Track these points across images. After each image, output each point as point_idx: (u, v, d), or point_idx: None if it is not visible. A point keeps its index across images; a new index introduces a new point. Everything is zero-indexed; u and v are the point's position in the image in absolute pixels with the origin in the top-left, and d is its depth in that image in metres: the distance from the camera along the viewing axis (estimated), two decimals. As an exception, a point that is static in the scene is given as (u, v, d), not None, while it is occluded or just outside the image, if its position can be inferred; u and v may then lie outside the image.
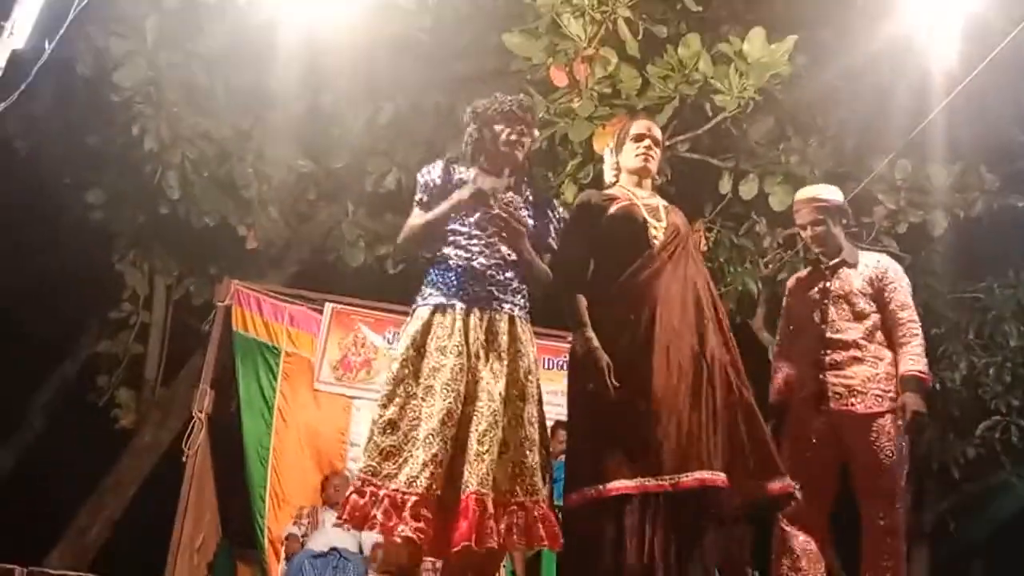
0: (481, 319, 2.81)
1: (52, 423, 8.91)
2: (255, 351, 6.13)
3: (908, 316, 3.50)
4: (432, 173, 3.01)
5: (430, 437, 2.61)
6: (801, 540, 3.44)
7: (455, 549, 2.57)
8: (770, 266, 6.78)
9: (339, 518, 2.64)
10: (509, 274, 2.90)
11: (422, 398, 2.70)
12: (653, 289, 2.96)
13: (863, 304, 3.50)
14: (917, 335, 3.47)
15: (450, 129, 2.90)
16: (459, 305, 2.80)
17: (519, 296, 2.92)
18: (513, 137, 2.98)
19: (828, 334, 3.49)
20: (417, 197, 3.03)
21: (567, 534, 2.86)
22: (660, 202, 3.19)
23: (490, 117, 2.99)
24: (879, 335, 3.49)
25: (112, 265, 7.50)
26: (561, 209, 3.23)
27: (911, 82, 5.61)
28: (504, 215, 2.83)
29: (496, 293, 2.85)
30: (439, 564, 5.16)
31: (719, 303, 3.13)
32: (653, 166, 3.23)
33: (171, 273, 7.65)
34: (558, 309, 3.05)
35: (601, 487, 2.78)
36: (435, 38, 6.13)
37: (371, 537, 5.06)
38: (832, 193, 3.70)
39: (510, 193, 2.97)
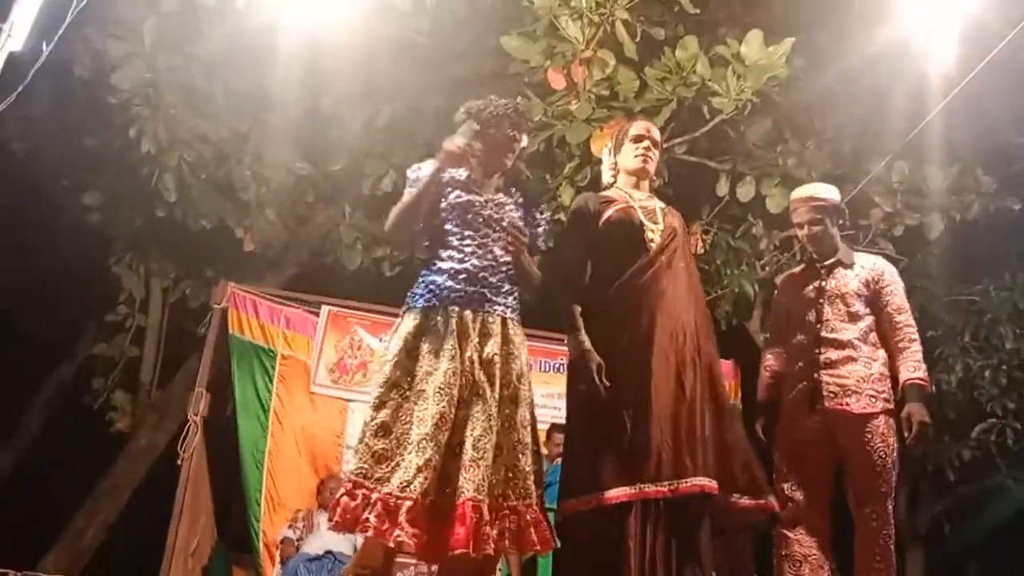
0: (474, 321, 2.79)
1: (48, 426, 8.90)
2: (251, 354, 6.13)
3: (905, 320, 3.49)
4: (423, 171, 3.01)
5: (424, 441, 2.59)
6: (803, 545, 3.37)
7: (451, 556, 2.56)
8: (767, 268, 6.79)
9: (329, 520, 2.60)
10: (501, 275, 2.89)
11: (415, 401, 2.67)
12: (652, 293, 2.96)
13: (858, 306, 3.48)
14: (915, 340, 3.46)
15: (448, 131, 2.89)
16: (452, 307, 2.78)
17: (511, 297, 2.90)
18: (507, 138, 2.99)
19: (823, 333, 3.46)
20: (406, 191, 3.01)
21: (564, 540, 2.85)
22: (658, 204, 3.19)
23: (484, 119, 2.99)
24: (873, 336, 3.47)
25: (109, 268, 7.50)
26: (546, 209, 3.22)
27: (908, 85, 5.63)
28: (509, 233, 2.84)
29: (489, 295, 2.84)
30: (422, 568, 5.18)
31: (706, 307, 3.15)
32: (652, 167, 3.23)
33: (167, 276, 7.65)
34: (554, 311, 3.05)
35: (600, 494, 2.76)
36: (433, 41, 6.13)
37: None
38: (829, 192, 3.69)
39: (500, 195, 2.97)
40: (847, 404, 3.35)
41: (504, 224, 2.88)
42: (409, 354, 2.74)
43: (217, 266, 7.37)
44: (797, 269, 3.83)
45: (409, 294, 2.90)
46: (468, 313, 2.79)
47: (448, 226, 2.90)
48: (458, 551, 2.52)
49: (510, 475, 2.72)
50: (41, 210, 7.54)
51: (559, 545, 2.85)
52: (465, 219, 2.89)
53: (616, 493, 2.75)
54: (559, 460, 3.16)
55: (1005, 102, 6.23)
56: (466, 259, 2.85)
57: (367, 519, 2.54)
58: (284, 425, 6.09)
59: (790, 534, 3.39)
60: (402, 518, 2.52)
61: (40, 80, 3.70)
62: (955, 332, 7.54)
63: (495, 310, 2.84)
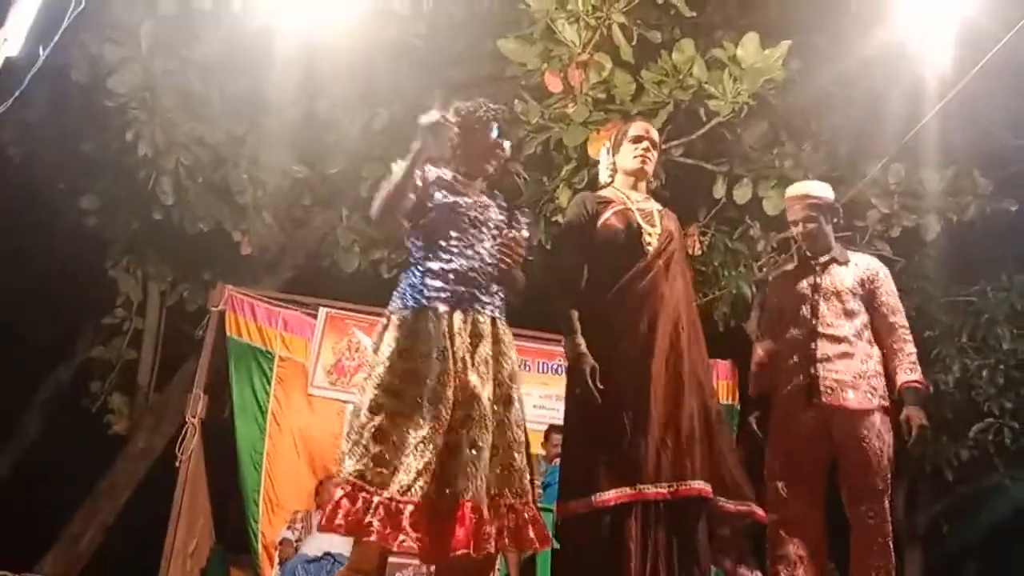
0: (465, 321, 2.78)
1: (46, 429, 8.89)
2: (249, 356, 6.14)
3: (900, 321, 3.51)
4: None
5: (421, 444, 2.59)
6: (797, 546, 3.37)
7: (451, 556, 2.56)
8: (764, 270, 6.79)
9: (328, 522, 2.56)
10: (488, 275, 2.88)
11: (410, 404, 2.66)
12: (651, 296, 2.97)
13: (853, 303, 3.50)
14: (909, 340, 3.48)
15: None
16: (442, 308, 2.77)
17: (497, 297, 2.89)
18: (492, 144, 3.00)
19: (819, 328, 3.47)
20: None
21: (563, 542, 2.86)
22: (655, 206, 3.20)
23: (472, 122, 3.00)
24: (868, 334, 3.49)
25: (106, 271, 7.51)
26: (527, 211, 3.22)
27: (904, 87, 5.63)
28: (509, 245, 2.85)
29: (478, 294, 2.83)
30: (421, 568, 5.17)
31: (695, 309, 3.17)
32: (650, 168, 3.24)
33: (165, 279, 7.65)
34: (551, 312, 3.05)
35: (600, 496, 2.77)
36: (430, 44, 6.14)
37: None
38: (824, 190, 3.71)
39: (484, 197, 2.98)
40: (844, 400, 3.36)
41: (491, 226, 2.90)
42: (401, 355, 2.73)
43: (214, 269, 7.36)
44: (790, 266, 3.85)
45: (395, 295, 2.88)
46: (458, 313, 2.77)
47: (435, 226, 2.91)
48: (459, 552, 2.52)
49: (506, 474, 2.72)
50: (38, 214, 7.54)
51: (558, 546, 2.86)
52: (452, 219, 2.89)
53: (616, 494, 2.76)
54: (557, 461, 3.16)
55: (1001, 105, 6.24)
56: (454, 259, 2.84)
57: (370, 523, 2.52)
58: (282, 427, 6.10)
59: (784, 535, 3.38)
60: (405, 522, 2.51)
61: (37, 85, 3.69)
62: (952, 333, 7.56)
63: (484, 309, 2.83)
